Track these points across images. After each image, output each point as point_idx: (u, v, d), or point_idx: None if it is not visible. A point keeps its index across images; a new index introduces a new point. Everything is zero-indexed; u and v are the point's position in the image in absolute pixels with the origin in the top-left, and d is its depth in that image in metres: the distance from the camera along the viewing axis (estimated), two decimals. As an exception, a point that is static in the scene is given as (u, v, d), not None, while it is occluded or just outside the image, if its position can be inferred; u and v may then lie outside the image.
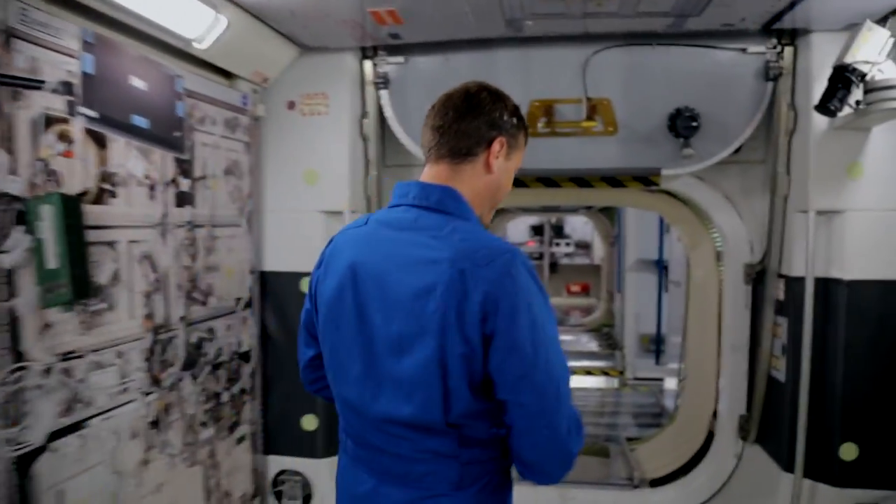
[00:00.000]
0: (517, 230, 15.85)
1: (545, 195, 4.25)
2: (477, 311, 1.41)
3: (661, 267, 6.90)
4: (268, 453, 3.65)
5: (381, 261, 1.55)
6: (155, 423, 2.61)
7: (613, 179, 3.84)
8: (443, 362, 1.45)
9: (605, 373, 8.52)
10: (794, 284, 3.28)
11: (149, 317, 2.56)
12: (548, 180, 3.88)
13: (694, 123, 3.26)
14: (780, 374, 3.45)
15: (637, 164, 3.47)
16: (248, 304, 3.42)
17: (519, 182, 3.83)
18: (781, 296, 3.42)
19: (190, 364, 2.86)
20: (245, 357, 3.39)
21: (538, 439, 1.47)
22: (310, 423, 3.59)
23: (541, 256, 15.83)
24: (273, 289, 3.57)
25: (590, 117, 3.35)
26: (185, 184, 2.82)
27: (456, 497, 1.54)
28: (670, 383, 6.20)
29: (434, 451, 1.53)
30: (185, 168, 2.82)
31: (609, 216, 10.37)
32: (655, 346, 7.11)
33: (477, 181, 1.61)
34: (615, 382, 8.33)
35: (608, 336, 10.08)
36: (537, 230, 15.87)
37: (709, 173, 3.71)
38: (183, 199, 2.81)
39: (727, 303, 3.98)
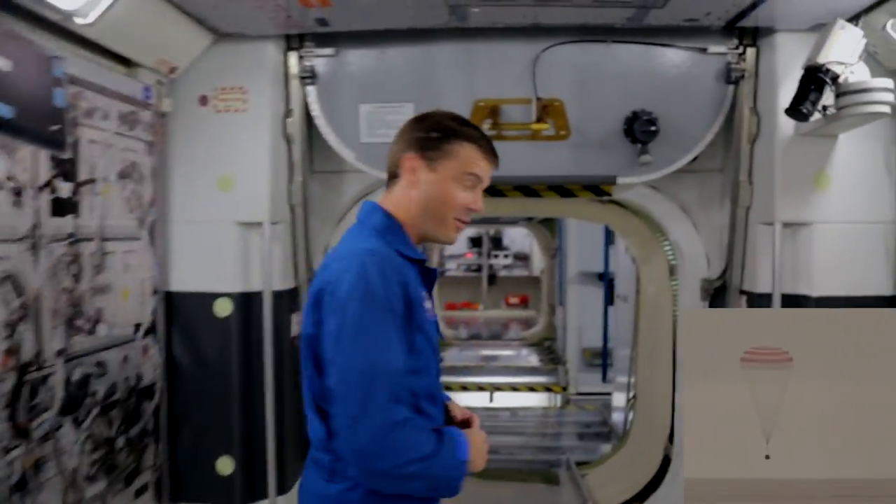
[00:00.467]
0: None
1: (488, 205, 3.89)
2: (311, 301, 1.57)
3: (606, 280, 6.69)
4: (176, 502, 3.15)
5: None
6: (20, 486, 2.11)
7: (562, 188, 3.55)
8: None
9: (547, 388, 8.27)
10: (760, 301, 3.04)
11: (10, 352, 2.07)
12: (491, 189, 3.52)
13: (653, 128, 2.99)
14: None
15: (590, 172, 3.18)
16: (151, 331, 2.93)
17: (494, 191, 3.48)
18: (744, 314, 3.18)
19: (71, 407, 2.37)
20: (147, 393, 2.90)
21: (339, 423, 1.48)
22: (226, 465, 3.11)
23: (479, 269, 15.60)
24: (182, 312, 3.09)
25: (540, 119, 3.04)
26: (65, 188, 2.34)
27: (327, 490, 1.59)
28: (618, 399, 5.93)
29: (319, 440, 1.62)
30: (65, 169, 2.34)
31: (550, 228, 10.19)
32: (602, 360, 6.88)
33: (403, 197, 1.69)
34: (558, 399, 8.08)
35: (550, 350, 9.85)
36: (475, 242, 15.65)
37: (664, 183, 3.46)
38: (62, 208, 2.33)
39: (682, 320, 3.74)
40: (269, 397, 3.08)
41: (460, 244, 15.63)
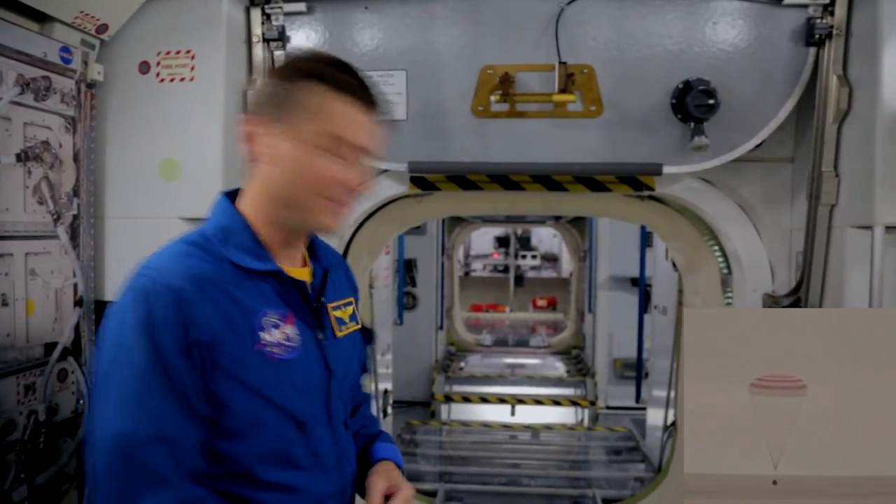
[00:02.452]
0: (481, 241, 14.96)
1: (502, 201, 3.27)
2: None
3: (642, 286, 5.96)
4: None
5: None
6: None
7: (592, 181, 2.89)
8: None
9: (574, 402, 7.57)
10: (849, 328, 2.34)
11: None
12: (506, 180, 2.89)
13: (711, 101, 2.31)
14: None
15: (629, 159, 2.51)
16: (71, 352, 2.35)
17: (468, 183, 2.85)
18: (824, 342, 2.48)
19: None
20: (65, 428, 2.33)
21: None
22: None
23: (506, 269, 14.93)
24: (115, 328, 2.51)
25: (565, 90, 2.38)
26: (-78, 171, 1.76)
27: None
28: (653, 416, 5.19)
29: None
30: (-75, 146, 1.77)
31: (579, 228, 9.47)
32: (636, 374, 6.14)
33: (247, 182, 1.30)
34: (585, 415, 7.39)
35: (578, 359, 9.14)
36: (502, 242, 14.99)
37: (719, 175, 2.79)
38: (-81, 196, 1.76)
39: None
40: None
41: (486, 244, 15.00)
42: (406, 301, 8.09)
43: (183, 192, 2.45)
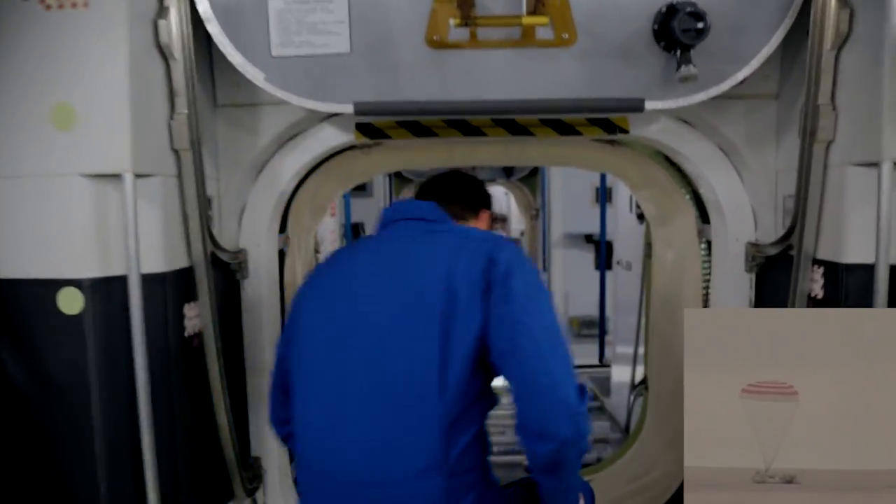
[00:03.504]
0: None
1: (459, 151, 2.95)
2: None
3: (603, 240, 5.74)
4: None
5: None
6: None
7: (561, 124, 2.59)
8: None
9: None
10: (850, 275, 2.13)
11: None
12: (465, 125, 2.56)
13: (700, 25, 2.02)
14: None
15: (606, 94, 2.21)
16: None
17: (421, 129, 2.51)
18: (820, 291, 2.27)
19: None
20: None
21: (538, 387, 1.50)
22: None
23: (455, 231, 14.66)
24: (8, 310, 2.09)
25: (534, 12, 2.05)
26: None
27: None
28: (619, 373, 5.01)
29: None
30: None
31: (531, 186, 9.22)
32: (599, 332, 5.97)
33: None
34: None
35: (532, 319, 9.00)
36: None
37: (697, 114, 2.54)
38: None
39: (717, 297, 2.85)
40: (147, 435, 2.09)
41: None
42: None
43: (83, 144, 2.03)
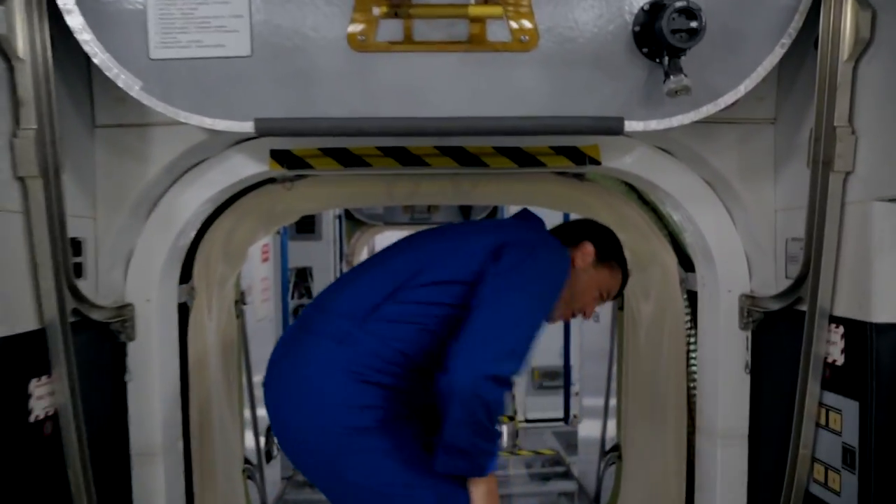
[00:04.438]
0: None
1: (400, 186, 2.50)
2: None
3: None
4: None
5: None
6: None
7: (520, 153, 2.15)
8: None
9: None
10: (881, 338, 1.69)
11: None
12: (403, 154, 2.10)
13: (693, 24, 1.61)
14: (835, 499, 1.87)
15: (576, 110, 1.76)
16: None
17: (349, 157, 2.04)
18: (839, 357, 1.83)
19: None
20: None
21: (469, 336, 1.73)
22: None
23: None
24: None
25: (485, 2, 1.60)
26: None
27: None
28: (586, 428, 4.43)
29: None
30: None
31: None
32: (565, 388, 5.42)
33: None
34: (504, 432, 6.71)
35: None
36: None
37: (680, 142, 2.13)
38: None
39: (707, 358, 2.41)
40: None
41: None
42: (298, 314, 7.12)
43: None
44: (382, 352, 1.80)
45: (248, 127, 1.74)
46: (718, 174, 2.17)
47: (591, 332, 4.39)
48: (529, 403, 7.47)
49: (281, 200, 2.53)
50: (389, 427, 1.79)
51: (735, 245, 2.25)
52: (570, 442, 6.41)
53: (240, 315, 3.25)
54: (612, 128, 1.75)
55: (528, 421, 7.35)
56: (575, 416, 4.82)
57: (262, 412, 3.78)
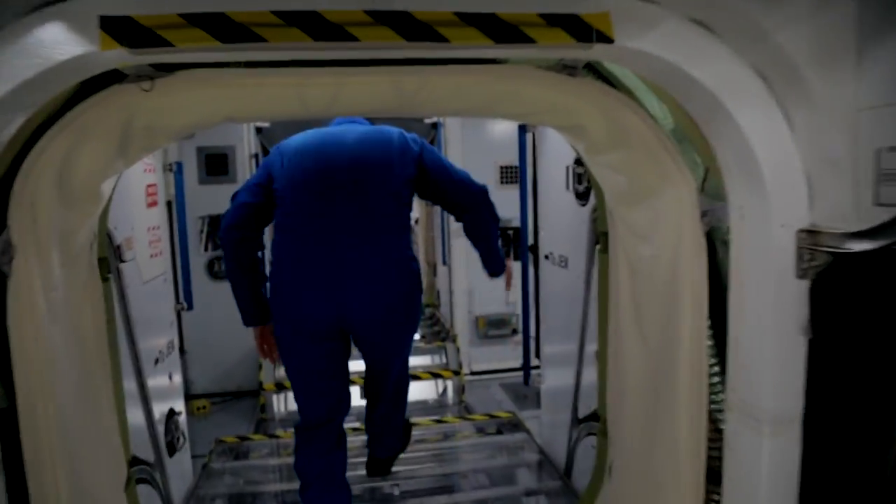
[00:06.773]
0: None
1: (315, 86, 1.72)
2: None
3: (524, 231, 4.53)
4: None
5: None
6: None
7: (495, 20, 1.41)
8: None
9: (435, 375, 6.26)
10: None
11: None
12: (315, 20, 1.32)
13: None
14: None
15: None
16: None
17: (231, 27, 1.23)
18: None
19: None
20: None
21: (464, 186, 2.80)
22: None
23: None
24: None
25: None
26: None
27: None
28: (552, 377, 3.76)
29: None
30: None
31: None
32: (524, 339, 4.80)
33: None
34: (449, 389, 6.13)
35: (433, 320, 7.83)
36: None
37: (728, 10, 1.44)
38: None
39: (742, 319, 1.79)
40: None
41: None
42: (214, 268, 6.20)
43: None
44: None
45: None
46: (780, 57, 1.49)
47: (554, 281, 3.75)
48: (474, 354, 6.92)
49: (139, 110, 1.70)
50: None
51: (792, 161, 1.60)
52: (519, 393, 5.92)
53: (109, 278, 2.42)
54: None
55: (473, 373, 6.81)
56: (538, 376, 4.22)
57: (158, 400, 2.98)
